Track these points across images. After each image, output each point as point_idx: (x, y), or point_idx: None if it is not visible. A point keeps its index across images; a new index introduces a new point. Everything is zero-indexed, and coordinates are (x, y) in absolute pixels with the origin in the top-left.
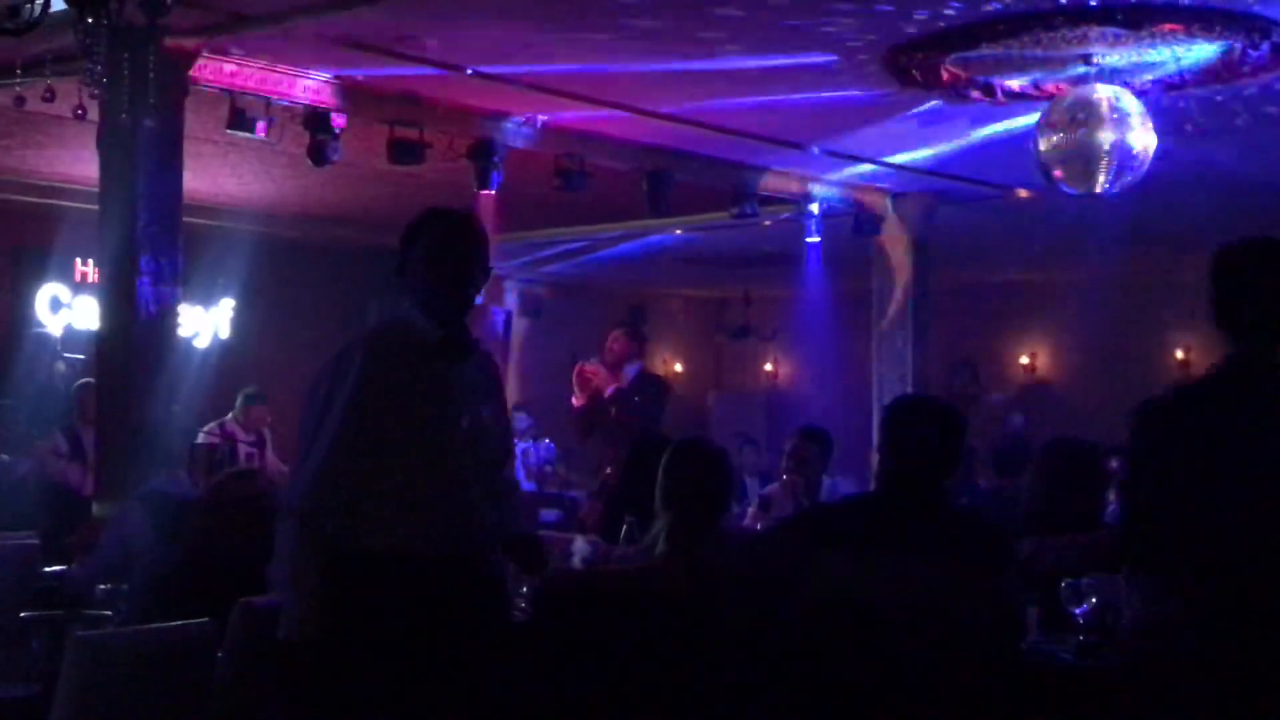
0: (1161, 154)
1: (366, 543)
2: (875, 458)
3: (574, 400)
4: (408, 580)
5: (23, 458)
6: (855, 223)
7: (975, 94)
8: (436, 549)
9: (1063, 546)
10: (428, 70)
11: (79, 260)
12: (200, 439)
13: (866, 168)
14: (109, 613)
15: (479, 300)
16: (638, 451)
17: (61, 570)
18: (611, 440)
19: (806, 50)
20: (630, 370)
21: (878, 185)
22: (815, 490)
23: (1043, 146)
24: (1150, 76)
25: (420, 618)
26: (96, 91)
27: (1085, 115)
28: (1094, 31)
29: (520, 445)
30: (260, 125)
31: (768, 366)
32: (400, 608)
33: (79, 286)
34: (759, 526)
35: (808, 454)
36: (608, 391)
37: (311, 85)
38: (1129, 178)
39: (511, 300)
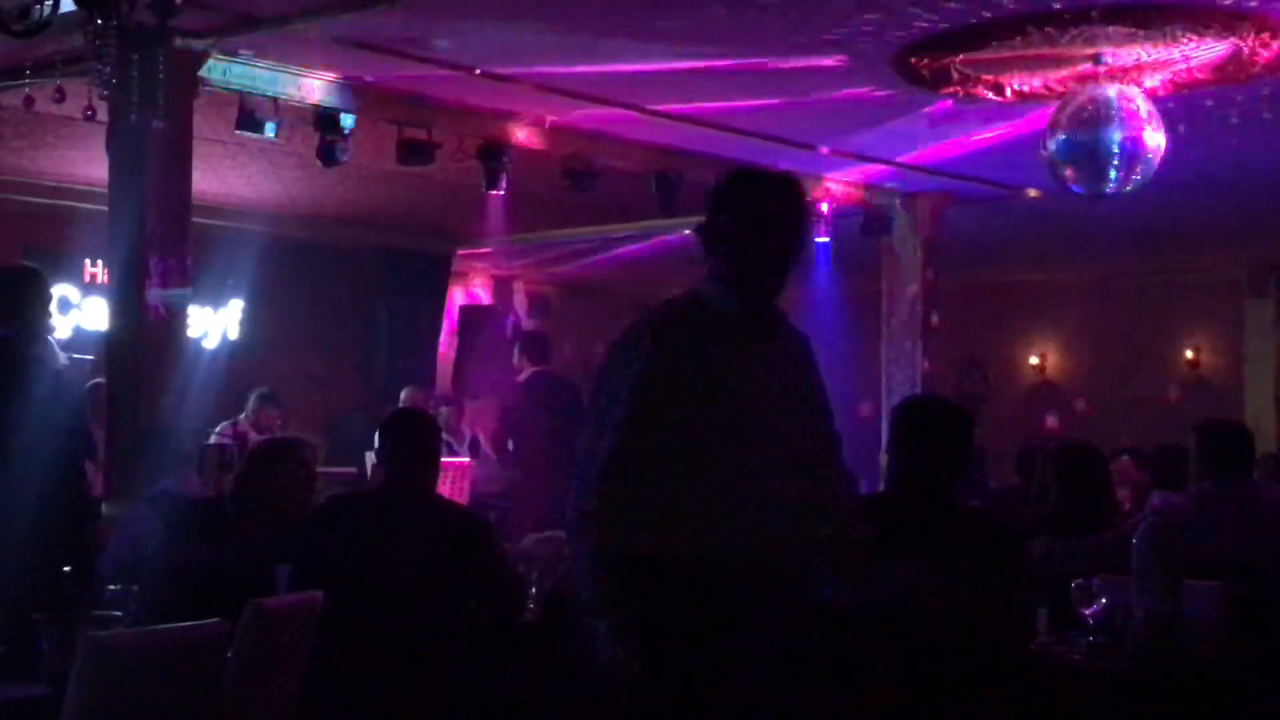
0: (1171, 153)
1: (663, 551)
2: (884, 459)
3: None
4: (705, 590)
5: None
6: (864, 223)
7: (984, 94)
8: (740, 556)
9: (1075, 548)
10: (437, 71)
11: (88, 261)
12: (212, 440)
13: (875, 168)
14: (119, 613)
15: (488, 302)
16: None
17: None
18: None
19: (816, 50)
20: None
21: (886, 185)
22: None
23: (1052, 146)
24: (1160, 75)
25: (716, 630)
26: (106, 92)
27: (1095, 115)
28: (1104, 30)
29: None
30: (269, 126)
31: None
32: (697, 620)
33: (88, 287)
34: None
35: None
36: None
37: (320, 86)
38: (1139, 177)
39: (520, 300)
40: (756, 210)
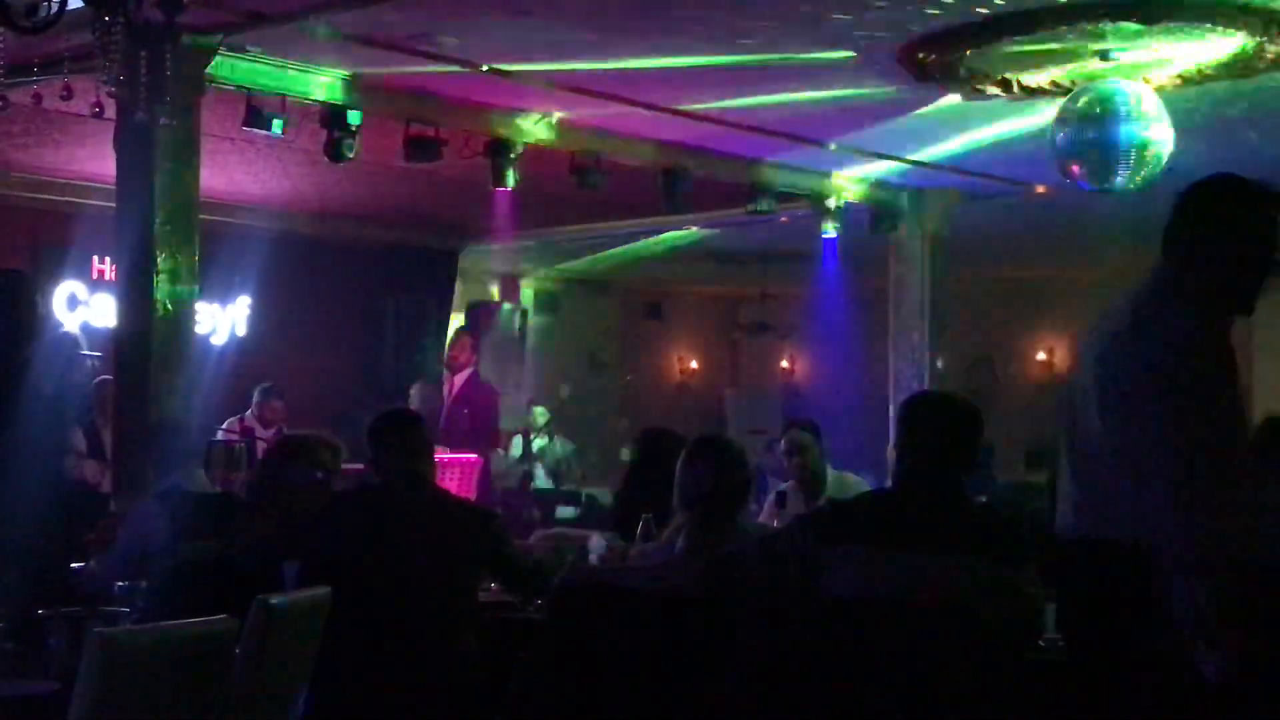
0: (1179, 149)
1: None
2: (892, 455)
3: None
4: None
5: None
6: (872, 219)
7: (993, 89)
8: None
9: None
10: (444, 67)
11: (96, 258)
12: (219, 436)
13: (884, 164)
14: (126, 609)
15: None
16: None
17: (80, 567)
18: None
19: (824, 45)
20: (459, 379)
21: (895, 181)
22: (820, 480)
23: (1060, 142)
24: (1168, 71)
25: None
26: (113, 89)
27: (1103, 110)
28: (1112, 26)
29: (537, 442)
30: (276, 123)
31: (784, 363)
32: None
33: (96, 284)
34: (775, 523)
35: (806, 441)
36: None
37: (327, 82)
38: (1147, 173)
39: (528, 297)
40: (1264, 225)
